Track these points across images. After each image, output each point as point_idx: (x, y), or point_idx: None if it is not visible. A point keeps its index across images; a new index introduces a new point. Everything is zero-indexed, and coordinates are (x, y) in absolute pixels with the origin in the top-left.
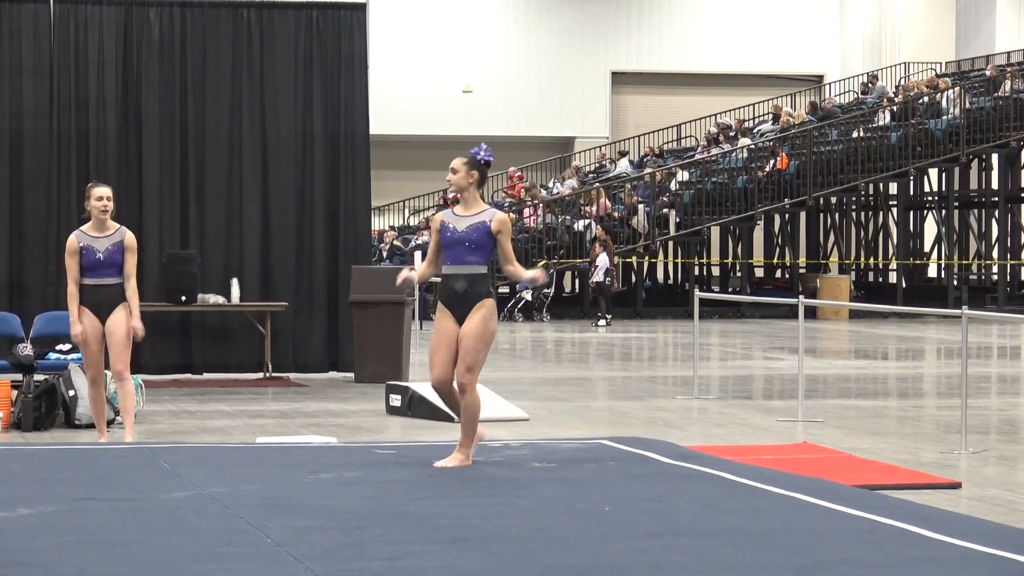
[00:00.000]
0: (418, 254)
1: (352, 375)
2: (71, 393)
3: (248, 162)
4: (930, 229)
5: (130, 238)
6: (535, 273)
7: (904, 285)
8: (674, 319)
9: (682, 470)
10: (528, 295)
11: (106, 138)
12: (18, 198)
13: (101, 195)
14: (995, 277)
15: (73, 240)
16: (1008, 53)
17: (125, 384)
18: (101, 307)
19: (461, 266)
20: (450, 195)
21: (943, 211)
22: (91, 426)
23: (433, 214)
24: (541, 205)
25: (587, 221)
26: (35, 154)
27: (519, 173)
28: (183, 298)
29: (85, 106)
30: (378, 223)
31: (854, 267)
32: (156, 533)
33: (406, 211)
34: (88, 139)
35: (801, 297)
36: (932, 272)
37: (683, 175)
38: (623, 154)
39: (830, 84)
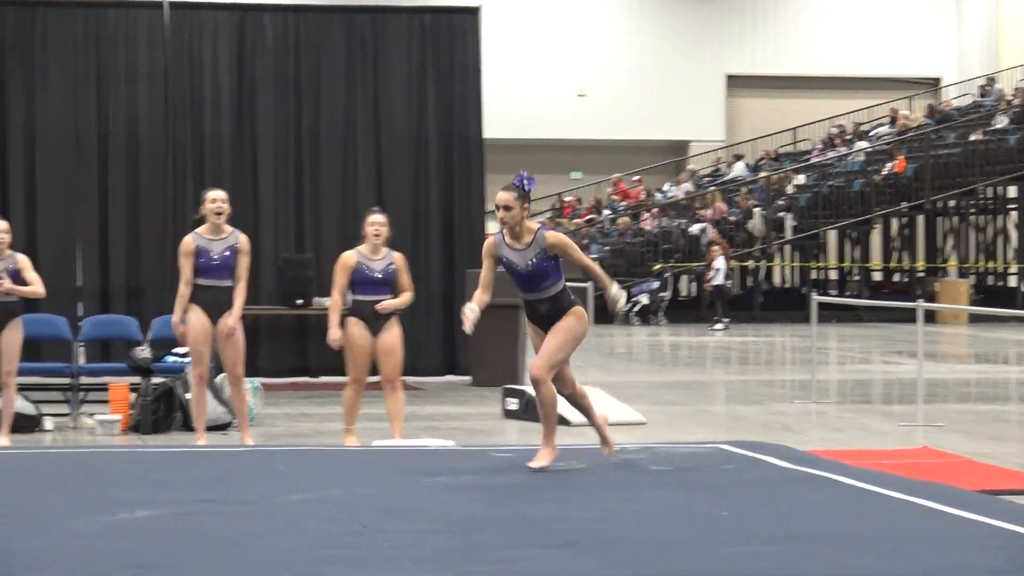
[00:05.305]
0: None
1: (469, 379)
2: (188, 396)
3: (363, 166)
4: None
5: (243, 240)
6: (616, 293)
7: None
8: (791, 323)
9: (800, 474)
10: (644, 298)
11: (221, 143)
12: (135, 203)
13: (215, 197)
14: None
15: (189, 241)
16: None
17: (242, 387)
18: (213, 307)
19: (538, 293)
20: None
21: None
22: (210, 429)
23: (488, 238)
24: (657, 209)
25: (703, 225)
26: (151, 159)
27: (635, 178)
28: (299, 301)
29: (200, 111)
30: (492, 226)
31: (973, 271)
32: (272, 536)
33: None
34: (203, 144)
35: (920, 301)
36: None
37: (799, 178)
38: (739, 157)
39: (947, 87)
